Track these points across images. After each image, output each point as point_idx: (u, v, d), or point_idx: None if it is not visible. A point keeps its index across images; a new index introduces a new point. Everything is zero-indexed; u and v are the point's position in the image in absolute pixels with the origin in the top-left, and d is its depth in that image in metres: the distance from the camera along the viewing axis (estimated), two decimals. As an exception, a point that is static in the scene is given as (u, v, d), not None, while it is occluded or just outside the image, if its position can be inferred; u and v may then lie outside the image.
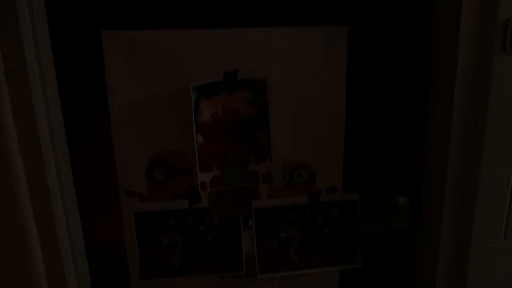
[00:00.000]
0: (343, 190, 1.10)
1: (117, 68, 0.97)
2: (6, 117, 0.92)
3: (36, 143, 0.97)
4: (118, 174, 1.06)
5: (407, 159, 1.10)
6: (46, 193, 1.01)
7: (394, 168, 1.11)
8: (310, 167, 1.07)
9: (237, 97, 1.00)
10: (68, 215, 1.06)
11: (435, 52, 1.01)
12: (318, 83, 1.01)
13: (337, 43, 0.99)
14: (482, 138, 0.96)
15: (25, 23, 0.88)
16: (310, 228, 1.11)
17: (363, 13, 0.99)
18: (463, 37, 0.91)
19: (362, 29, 1.00)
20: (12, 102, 0.92)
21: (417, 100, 1.06)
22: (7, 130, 0.93)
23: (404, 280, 1.20)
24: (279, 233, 1.11)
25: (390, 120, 1.07)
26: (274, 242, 1.11)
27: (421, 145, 1.09)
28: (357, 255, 1.13)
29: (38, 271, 1.06)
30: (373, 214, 1.11)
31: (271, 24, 0.97)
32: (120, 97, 0.99)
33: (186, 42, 0.96)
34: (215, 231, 1.10)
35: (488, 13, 0.89)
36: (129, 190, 1.06)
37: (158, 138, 1.03)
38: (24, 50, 0.89)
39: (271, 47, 0.98)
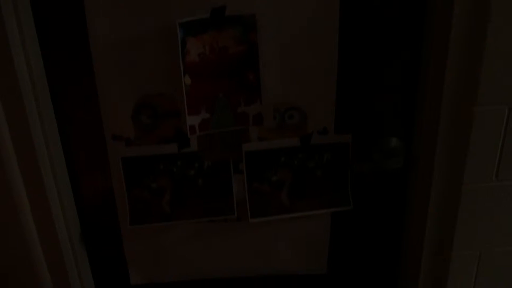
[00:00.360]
0: (335, 132, 1.07)
1: (98, 6, 0.91)
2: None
3: (17, 91, 0.93)
4: (103, 118, 1.03)
5: (400, 99, 1.08)
6: (30, 142, 0.98)
7: (386, 108, 1.08)
8: (301, 109, 1.04)
9: (225, 35, 0.95)
10: (54, 163, 1.04)
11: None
12: (310, 19, 0.96)
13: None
14: (478, 76, 0.93)
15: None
16: (301, 171, 1.09)
17: None
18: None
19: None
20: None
21: (411, 38, 1.02)
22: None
23: (395, 221, 1.20)
24: (270, 176, 1.09)
25: (384, 60, 1.04)
26: (265, 185, 1.10)
27: (415, 85, 1.06)
28: (348, 197, 1.12)
29: (27, 224, 1.05)
30: (365, 156, 1.10)
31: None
32: (102, 38, 0.95)
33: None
34: (205, 175, 1.08)
35: None
36: (115, 134, 1.03)
37: (144, 80, 0.99)
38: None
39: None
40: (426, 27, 1.00)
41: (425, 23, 1.00)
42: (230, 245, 1.17)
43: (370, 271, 1.27)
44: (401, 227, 1.21)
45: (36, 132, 0.98)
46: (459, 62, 0.94)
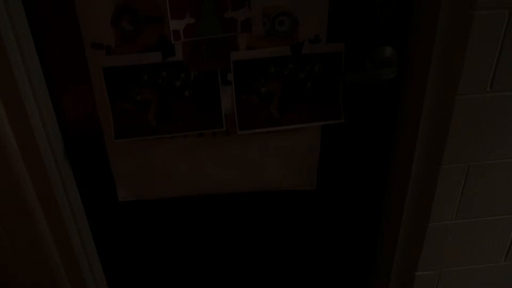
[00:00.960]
0: (327, 41, 1.02)
1: None
2: None
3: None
4: (81, 25, 0.96)
5: (396, 6, 1.02)
6: (4, 55, 0.92)
7: (381, 15, 1.03)
8: (292, 14, 0.98)
9: None
10: (32, 77, 0.98)
11: None
12: None
13: None
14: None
15: None
16: (291, 82, 1.05)
17: None
18: None
19: None
20: None
21: None
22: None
23: (387, 134, 1.19)
24: (259, 87, 1.05)
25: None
26: (254, 97, 1.06)
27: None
28: (340, 110, 1.09)
29: (8, 142, 1.00)
30: (358, 66, 1.06)
31: None
32: None
33: None
34: (192, 87, 1.03)
35: None
36: (95, 42, 0.97)
37: (123, -19, 0.91)
38: None
39: None
40: None
41: None
42: (219, 159, 1.15)
43: (359, 185, 1.27)
44: (392, 139, 1.19)
45: (10, 43, 0.92)
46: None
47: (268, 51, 1.01)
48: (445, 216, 1.18)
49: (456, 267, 1.30)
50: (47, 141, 1.06)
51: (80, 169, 1.17)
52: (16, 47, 0.94)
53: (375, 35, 1.05)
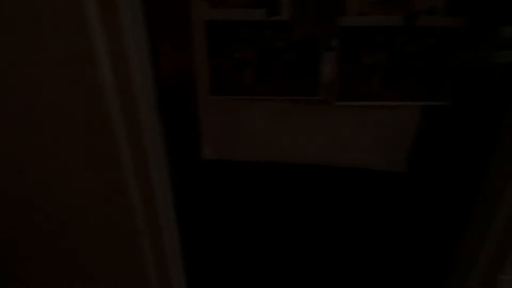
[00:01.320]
0: (446, 14, 0.93)
1: None
2: None
3: None
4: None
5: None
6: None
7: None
8: (411, -19, 0.90)
9: None
10: (135, 25, 0.97)
11: None
12: None
13: None
14: None
15: None
16: (400, 55, 0.98)
17: None
18: None
19: None
20: None
21: None
22: None
23: (494, 120, 1.08)
24: (364, 57, 0.99)
25: None
26: (357, 67, 1.00)
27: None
28: (448, 91, 1.01)
29: (109, 89, 1.01)
30: (476, 45, 0.96)
31: None
32: None
33: None
34: (293, 49, 0.99)
35: None
36: (199, -8, 0.95)
37: None
38: None
39: None
40: None
41: None
42: (310, 129, 1.10)
43: (453, 174, 1.19)
44: (499, 128, 1.09)
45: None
46: None
47: (380, 19, 0.94)
48: (545, 219, 1.08)
49: (547, 276, 1.19)
50: (143, 90, 1.06)
51: (167, 121, 1.17)
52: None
53: (500, 12, 0.94)
